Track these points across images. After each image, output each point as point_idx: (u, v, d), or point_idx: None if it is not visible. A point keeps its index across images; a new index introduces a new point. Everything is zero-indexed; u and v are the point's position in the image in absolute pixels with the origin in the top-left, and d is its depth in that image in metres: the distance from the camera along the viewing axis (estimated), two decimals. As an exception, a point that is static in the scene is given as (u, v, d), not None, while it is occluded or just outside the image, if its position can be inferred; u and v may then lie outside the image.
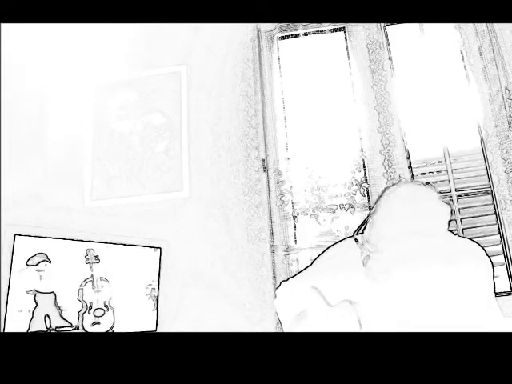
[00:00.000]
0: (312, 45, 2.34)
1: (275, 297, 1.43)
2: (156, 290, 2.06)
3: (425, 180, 2.13)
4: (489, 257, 1.32)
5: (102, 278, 2.00)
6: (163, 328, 2.02)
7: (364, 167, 2.13)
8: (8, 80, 2.32)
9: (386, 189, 1.48)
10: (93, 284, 1.98)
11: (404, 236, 1.30)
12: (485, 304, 1.25)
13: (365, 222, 1.44)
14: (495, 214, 2.02)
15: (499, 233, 2.00)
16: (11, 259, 1.88)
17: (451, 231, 1.39)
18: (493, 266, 1.31)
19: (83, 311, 1.94)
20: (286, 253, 2.07)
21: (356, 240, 1.41)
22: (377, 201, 1.45)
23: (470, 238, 1.39)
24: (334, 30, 2.34)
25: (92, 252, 2.00)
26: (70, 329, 1.90)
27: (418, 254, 1.28)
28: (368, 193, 2.09)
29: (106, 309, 1.98)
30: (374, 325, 1.27)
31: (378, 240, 1.33)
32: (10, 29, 2.38)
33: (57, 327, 1.89)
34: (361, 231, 1.45)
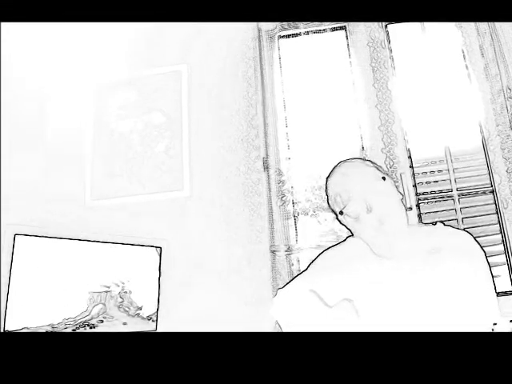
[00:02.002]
0: (313, 44, 2.34)
1: (273, 305, 1.42)
2: (156, 289, 2.06)
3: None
4: (482, 248, 1.31)
5: (103, 278, 2.00)
6: (163, 328, 2.02)
7: (365, 166, 2.12)
8: (8, 80, 2.32)
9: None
10: (95, 284, 1.98)
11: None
12: (482, 300, 1.24)
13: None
14: (496, 213, 2.02)
15: (500, 232, 2.00)
16: (11, 259, 1.87)
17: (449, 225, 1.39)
18: (487, 258, 1.30)
19: (85, 310, 1.94)
20: (286, 253, 2.06)
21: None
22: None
23: (467, 231, 1.37)
24: (334, 29, 2.34)
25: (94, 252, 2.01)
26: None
27: (407, 249, 1.28)
28: (369, 192, 2.08)
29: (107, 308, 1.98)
30: (374, 324, 1.27)
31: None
32: (10, 29, 2.38)
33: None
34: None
